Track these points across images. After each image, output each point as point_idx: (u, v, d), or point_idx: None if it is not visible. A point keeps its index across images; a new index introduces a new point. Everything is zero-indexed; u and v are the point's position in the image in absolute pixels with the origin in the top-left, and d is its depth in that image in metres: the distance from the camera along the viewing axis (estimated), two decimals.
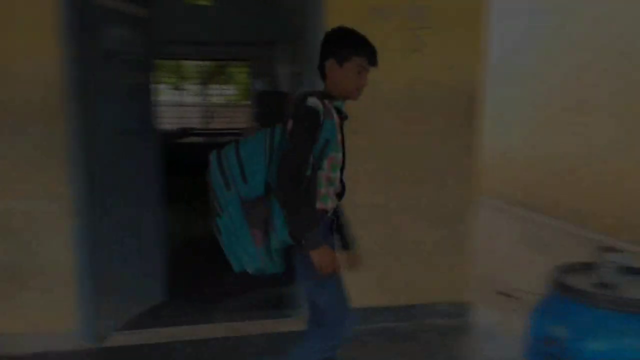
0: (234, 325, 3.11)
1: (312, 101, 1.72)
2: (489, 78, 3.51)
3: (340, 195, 1.92)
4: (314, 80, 2.85)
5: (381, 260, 3.06)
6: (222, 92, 10.73)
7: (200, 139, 8.11)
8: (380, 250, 3.04)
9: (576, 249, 4.47)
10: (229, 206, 1.78)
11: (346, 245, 2.05)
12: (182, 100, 11.20)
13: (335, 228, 1.96)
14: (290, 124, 1.75)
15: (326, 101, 1.77)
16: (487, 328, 3.13)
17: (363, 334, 2.99)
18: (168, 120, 9.52)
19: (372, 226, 3.00)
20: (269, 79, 8.13)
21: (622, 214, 4.72)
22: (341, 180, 1.89)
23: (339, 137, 1.81)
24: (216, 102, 11.67)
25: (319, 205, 1.79)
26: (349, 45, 1.81)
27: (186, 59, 9.98)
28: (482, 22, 2.96)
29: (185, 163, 7.26)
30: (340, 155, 1.82)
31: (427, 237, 3.08)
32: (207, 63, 10.57)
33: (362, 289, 3.05)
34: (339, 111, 1.84)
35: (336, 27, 1.88)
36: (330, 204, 1.83)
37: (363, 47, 1.83)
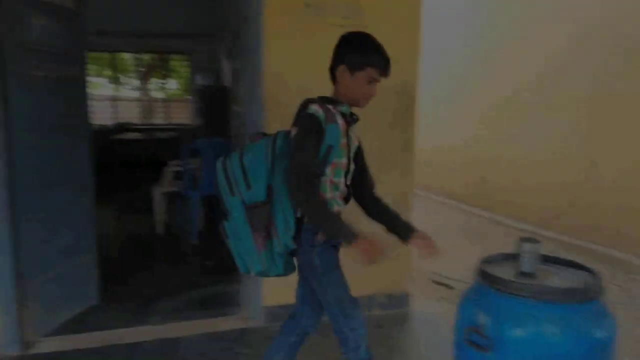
0: (171, 326, 3.03)
1: (313, 109, 1.73)
2: (426, 76, 3.62)
3: (346, 199, 1.91)
4: (254, 76, 2.84)
5: None
6: (163, 87, 10.40)
7: (138, 135, 7.83)
8: None
9: (509, 240, 4.68)
10: (234, 211, 1.81)
11: (406, 234, 1.93)
12: (119, 94, 10.77)
13: None
14: (293, 131, 1.76)
15: (330, 106, 1.77)
16: (425, 317, 3.22)
17: None
18: (104, 115, 9.13)
19: None
20: (211, 73, 7.97)
21: (552, 205, 4.99)
22: (346, 185, 1.87)
23: (343, 141, 1.79)
24: (156, 96, 11.31)
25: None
26: (363, 55, 1.79)
27: (123, 52, 9.62)
28: (417, 20, 3.02)
29: (122, 159, 7.03)
30: (344, 160, 1.81)
31: (366, 229, 3.11)
32: (145, 56, 10.19)
33: None
34: (345, 115, 1.83)
35: (353, 32, 1.85)
36: (336, 208, 1.83)
37: (378, 58, 1.80)
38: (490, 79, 5.82)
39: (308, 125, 1.70)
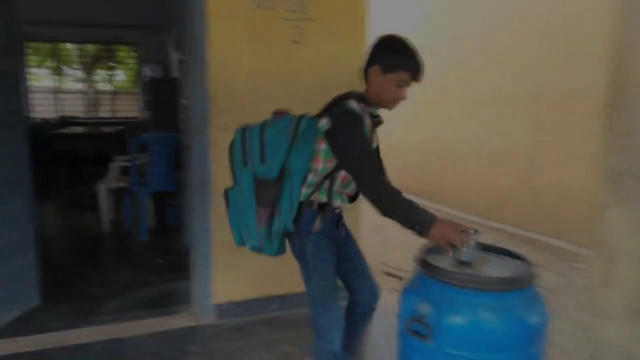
0: (118, 326, 2.95)
1: (353, 105, 1.78)
2: None
3: (354, 197, 1.96)
4: (198, 69, 2.79)
5: None
6: (109, 78, 10.02)
7: (82, 129, 7.52)
8: None
9: None
10: (243, 182, 1.84)
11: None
12: (63, 86, 10.31)
13: (341, 222, 1.99)
14: (325, 121, 1.77)
15: (362, 105, 1.83)
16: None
17: (255, 323, 2.99)
18: (46, 108, 8.70)
19: None
20: (160, 65, 7.74)
21: (497, 198, 5.18)
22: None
23: None
24: (102, 89, 10.90)
25: (324, 198, 1.83)
26: (399, 58, 1.80)
27: (65, 42, 9.19)
28: (364, 13, 3.04)
29: (66, 155, 6.73)
30: None
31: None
32: (90, 47, 9.79)
33: (250, 280, 3.06)
34: (373, 116, 1.88)
35: (391, 35, 1.86)
36: (339, 203, 1.88)
37: (412, 63, 1.81)
38: (438, 78, 5.95)
39: (353, 125, 1.74)
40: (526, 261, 1.63)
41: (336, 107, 1.80)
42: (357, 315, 2.11)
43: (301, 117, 1.83)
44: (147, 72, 7.70)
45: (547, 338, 1.59)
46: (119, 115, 9.16)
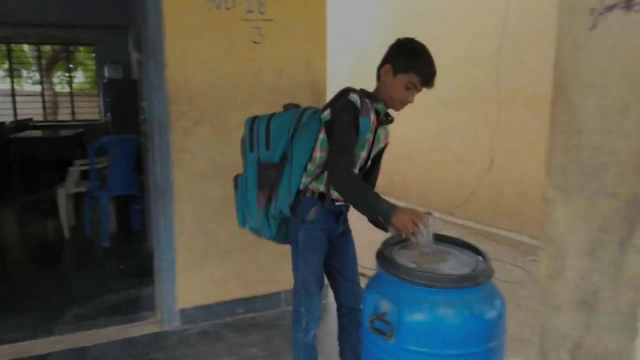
0: (80, 335, 2.87)
1: (353, 97, 1.82)
2: (340, 74, 3.69)
3: None
4: (156, 70, 2.74)
5: (237, 254, 3.05)
6: (68, 80, 9.73)
7: (40, 132, 7.28)
8: (235, 245, 3.03)
9: None
10: (248, 167, 1.97)
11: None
12: (19, 89, 9.96)
13: (342, 217, 2.02)
14: (327, 112, 1.86)
15: (368, 100, 1.87)
16: None
17: (221, 327, 2.97)
18: (1, 112, 8.38)
19: (225, 221, 2.96)
20: (120, 66, 7.56)
21: (459, 194, 5.28)
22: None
23: (369, 137, 1.89)
24: (61, 90, 10.58)
25: (322, 187, 1.89)
26: (411, 60, 1.83)
27: (21, 43, 8.87)
28: (324, 14, 3.04)
29: (23, 159, 6.50)
30: (363, 153, 1.91)
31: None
32: (47, 47, 9.49)
33: (216, 283, 3.03)
34: (379, 113, 1.92)
35: (410, 38, 1.90)
36: (335, 196, 1.90)
37: (423, 66, 1.84)
38: None
39: (347, 115, 1.79)
40: (485, 256, 1.67)
41: (339, 99, 1.87)
42: (346, 318, 2.13)
43: (306, 108, 1.94)
44: (107, 73, 7.51)
45: (504, 332, 1.63)
46: (79, 117, 8.91)
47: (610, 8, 1.05)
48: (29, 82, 11.08)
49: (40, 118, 8.76)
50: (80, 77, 11.44)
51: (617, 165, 1.08)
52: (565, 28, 1.16)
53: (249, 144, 1.97)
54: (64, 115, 9.15)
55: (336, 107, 1.84)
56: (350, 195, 1.76)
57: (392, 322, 1.50)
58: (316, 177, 1.89)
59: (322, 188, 1.89)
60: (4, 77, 10.65)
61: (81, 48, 9.99)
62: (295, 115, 1.90)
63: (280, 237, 2.03)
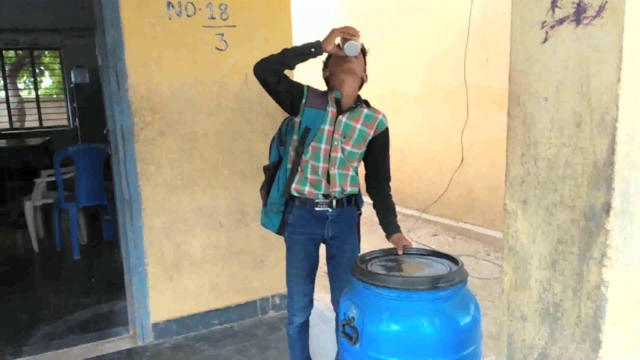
0: (49, 355, 2.80)
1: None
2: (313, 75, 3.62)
3: (326, 188, 2.00)
4: (118, 80, 2.66)
5: (210, 265, 3.00)
6: (34, 86, 9.47)
7: (5, 142, 7.06)
8: (207, 256, 2.98)
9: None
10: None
11: (389, 231, 1.99)
12: None
13: (330, 221, 2.04)
14: None
15: (322, 91, 2.02)
16: (321, 312, 3.28)
17: (195, 339, 2.92)
18: None
19: (196, 231, 2.92)
20: (88, 71, 7.37)
21: (432, 192, 5.31)
22: (329, 172, 1.98)
23: (325, 128, 1.94)
24: (27, 96, 10.29)
25: (294, 186, 1.99)
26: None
27: None
28: (289, 19, 3.00)
29: None
30: (324, 145, 1.95)
31: (255, 234, 3.09)
32: (10, 53, 9.21)
33: (189, 295, 2.98)
34: (339, 101, 1.97)
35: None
36: (308, 190, 1.98)
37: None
38: (370, 77, 6.02)
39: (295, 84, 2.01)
40: (456, 261, 1.66)
41: None
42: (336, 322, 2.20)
43: (285, 119, 2.19)
44: (73, 78, 7.32)
45: (478, 340, 1.62)
46: (47, 124, 8.67)
47: (560, 21, 1.05)
48: None
49: (6, 125, 8.50)
50: (47, 82, 11.15)
51: (572, 178, 1.08)
52: (518, 40, 1.16)
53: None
54: (31, 122, 8.90)
55: None
56: (272, 61, 1.89)
57: (358, 328, 1.50)
58: (292, 177, 2.00)
59: (297, 186, 2.00)
60: None
61: (47, 52, 9.74)
62: (280, 127, 2.24)
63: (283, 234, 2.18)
